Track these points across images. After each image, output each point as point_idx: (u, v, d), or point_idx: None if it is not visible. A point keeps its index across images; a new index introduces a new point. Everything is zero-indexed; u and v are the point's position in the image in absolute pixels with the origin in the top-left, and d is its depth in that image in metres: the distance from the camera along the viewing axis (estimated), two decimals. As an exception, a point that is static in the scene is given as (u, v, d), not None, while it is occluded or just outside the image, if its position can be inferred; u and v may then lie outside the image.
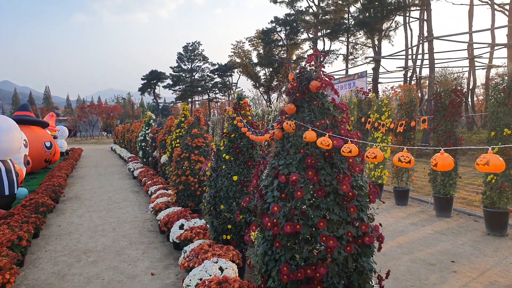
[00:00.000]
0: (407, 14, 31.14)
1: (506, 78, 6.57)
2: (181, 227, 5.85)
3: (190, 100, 68.55)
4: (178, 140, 9.33)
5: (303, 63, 2.74)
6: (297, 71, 2.63)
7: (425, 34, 26.54)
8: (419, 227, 7.26)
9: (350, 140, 2.31)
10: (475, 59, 25.42)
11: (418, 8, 27.03)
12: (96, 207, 9.68)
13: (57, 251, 6.29)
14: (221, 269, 3.92)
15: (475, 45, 24.80)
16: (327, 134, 2.32)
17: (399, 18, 34.11)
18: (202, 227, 5.51)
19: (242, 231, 4.70)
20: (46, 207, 7.77)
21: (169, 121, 11.90)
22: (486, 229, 6.70)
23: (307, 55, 2.67)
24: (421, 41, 29.28)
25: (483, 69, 28.82)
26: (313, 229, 2.34)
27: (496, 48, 24.60)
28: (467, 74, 26.80)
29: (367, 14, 30.06)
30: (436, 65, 25.23)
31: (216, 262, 4.02)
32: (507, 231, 6.56)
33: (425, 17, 23.24)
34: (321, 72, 2.58)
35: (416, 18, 30.64)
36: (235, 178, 4.58)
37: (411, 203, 9.44)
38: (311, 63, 2.59)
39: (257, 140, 3.90)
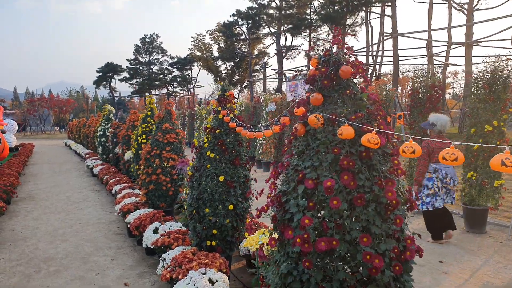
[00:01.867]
0: (369, 10, 31.63)
1: (476, 75, 6.58)
2: (156, 231, 5.34)
3: (147, 94, 66.59)
4: (144, 136, 8.73)
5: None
6: (321, 53, 2.25)
7: (385, 31, 27.09)
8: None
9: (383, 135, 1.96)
10: (434, 57, 26.22)
11: (381, 4, 27.42)
12: (54, 208, 8.89)
13: (12, 260, 5.59)
14: (211, 281, 3.50)
15: (433, 44, 25.55)
16: (374, 129, 1.96)
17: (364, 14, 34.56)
18: (180, 231, 5.04)
19: (228, 236, 4.29)
20: (-3, 210, 6.97)
21: (132, 115, 11.20)
22: (466, 226, 6.67)
23: (332, 36, 2.28)
24: (383, 38, 29.85)
25: (440, 67, 29.82)
26: (350, 245, 1.98)
27: (453, 47, 25.45)
28: (426, 72, 27.59)
29: (332, 8, 30.18)
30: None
31: (205, 273, 3.59)
32: (486, 228, 6.56)
33: (387, 14, 23.59)
34: (351, 55, 2.23)
35: (377, 13, 31.15)
36: (221, 178, 4.15)
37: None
38: (338, 44, 2.22)
39: (251, 136, 3.49)
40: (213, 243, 4.25)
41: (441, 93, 7.70)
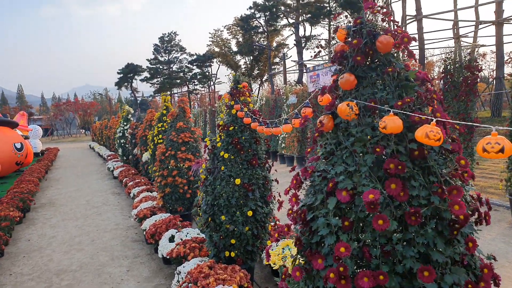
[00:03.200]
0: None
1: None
2: (171, 239, 4.93)
3: (169, 92, 66.77)
4: (160, 136, 8.36)
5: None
6: (351, 23, 1.73)
7: (407, 13, 25.88)
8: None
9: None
10: (461, 39, 24.90)
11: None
12: (73, 214, 8.65)
13: (24, 274, 5.30)
14: (229, 302, 3.04)
15: (460, 24, 24.26)
16: (434, 119, 1.42)
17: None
18: (197, 240, 4.60)
19: (248, 245, 3.81)
20: (9, 221, 6.71)
21: (149, 114, 10.87)
22: (515, 220, 5.99)
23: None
24: (406, 21, 28.60)
25: (467, 49, 28.35)
26: (404, 279, 1.46)
27: (481, 26, 24.09)
28: (453, 55, 26.26)
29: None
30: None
31: (222, 293, 3.13)
32: (538, 221, 5.86)
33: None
34: (391, 22, 1.70)
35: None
36: (237, 181, 3.67)
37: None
38: (372, 9, 1.69)
39: (268, 133, 3.01)
40: (232, 254, 3.78)
41: (477, 75, 6.98)
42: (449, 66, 7.34)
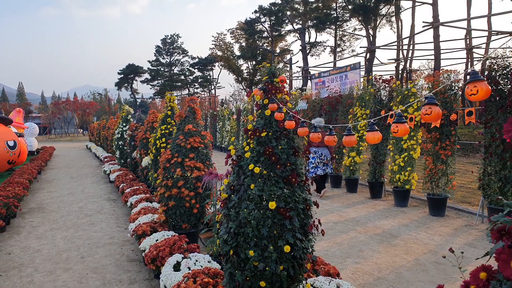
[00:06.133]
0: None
1: None
2: (177, 266, 4.04)
3: (170, 94, 65.81)
4: (164, 139, 7.49)
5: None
6: None
7: (417, 22, 25.18)
8: (481, 250, 5.63)
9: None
10: (473, 50, 24.16)
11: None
12: (63, 222, 7.74)
13: (-3, 301, 4.41)
14: None
15: (473, 34, 23.52)
16: None
17: (403, 3, 32.46)
18: (210, 272, 3.70)
19: (281, 288, 2.92)
20: (-13, 231, 5.81)
21: (151, 115, 9.99)
22: None
23: None
24: (413, 32, 27.92)
25: (478, 60, 27.65)
26: None
27: (493, 38, 23.28)
28: (464, 66, 25.58)
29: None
30: (428, 56, 23.62)
31: None
32: None
33: (426, 2, 21.71)
34: None
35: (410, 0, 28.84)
36: (272, 205, 2.78)
37: (449, 213, 7.83)
38: None
39: (332, 143, 2.13)
40: (260, 299, 2.88)
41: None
42: (493, 73, 6.50)
